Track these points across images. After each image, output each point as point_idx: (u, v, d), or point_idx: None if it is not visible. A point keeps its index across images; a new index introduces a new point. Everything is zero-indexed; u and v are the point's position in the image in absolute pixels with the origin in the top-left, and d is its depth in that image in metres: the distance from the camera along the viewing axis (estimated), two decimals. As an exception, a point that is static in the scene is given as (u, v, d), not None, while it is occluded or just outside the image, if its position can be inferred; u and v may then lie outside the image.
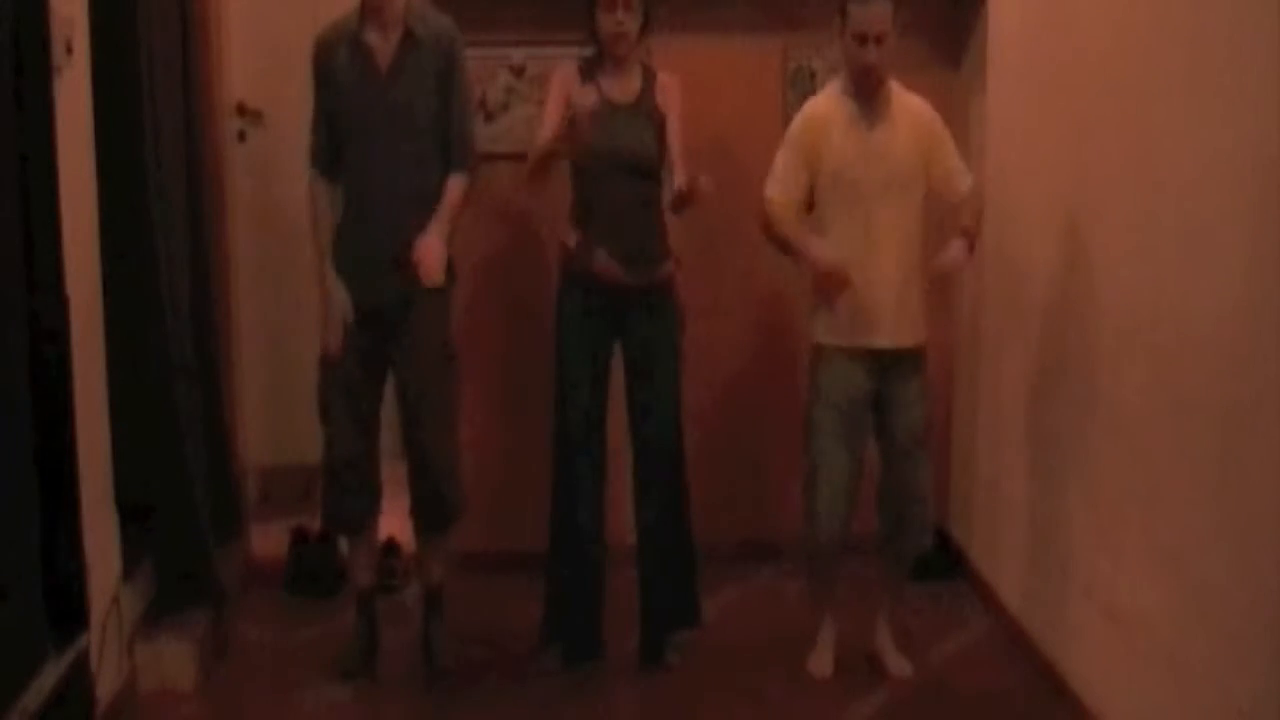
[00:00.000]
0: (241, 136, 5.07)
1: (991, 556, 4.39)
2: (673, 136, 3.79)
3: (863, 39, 3.54)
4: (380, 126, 3.64)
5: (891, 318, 3.66)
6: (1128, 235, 3.29)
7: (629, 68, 3.77)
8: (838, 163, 3.63)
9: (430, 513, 3.90)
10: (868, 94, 3.64)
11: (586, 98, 3.63)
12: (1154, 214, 3.13)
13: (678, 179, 3.68)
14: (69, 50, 3.21)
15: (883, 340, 3.67)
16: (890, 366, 3.69)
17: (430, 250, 3.61)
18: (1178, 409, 3.00)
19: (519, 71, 4.48)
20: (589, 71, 3.78)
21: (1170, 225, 3.04)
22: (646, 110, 3.77)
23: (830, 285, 3.60)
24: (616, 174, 3.74)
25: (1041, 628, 3.89)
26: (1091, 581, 3.49)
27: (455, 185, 3.73)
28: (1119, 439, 3.31)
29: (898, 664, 3.89)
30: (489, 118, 4.44)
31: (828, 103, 3.70)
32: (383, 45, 3.66)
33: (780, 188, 3.68)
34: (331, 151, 3.75)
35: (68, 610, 3.08)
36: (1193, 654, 2.93)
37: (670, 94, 3.80)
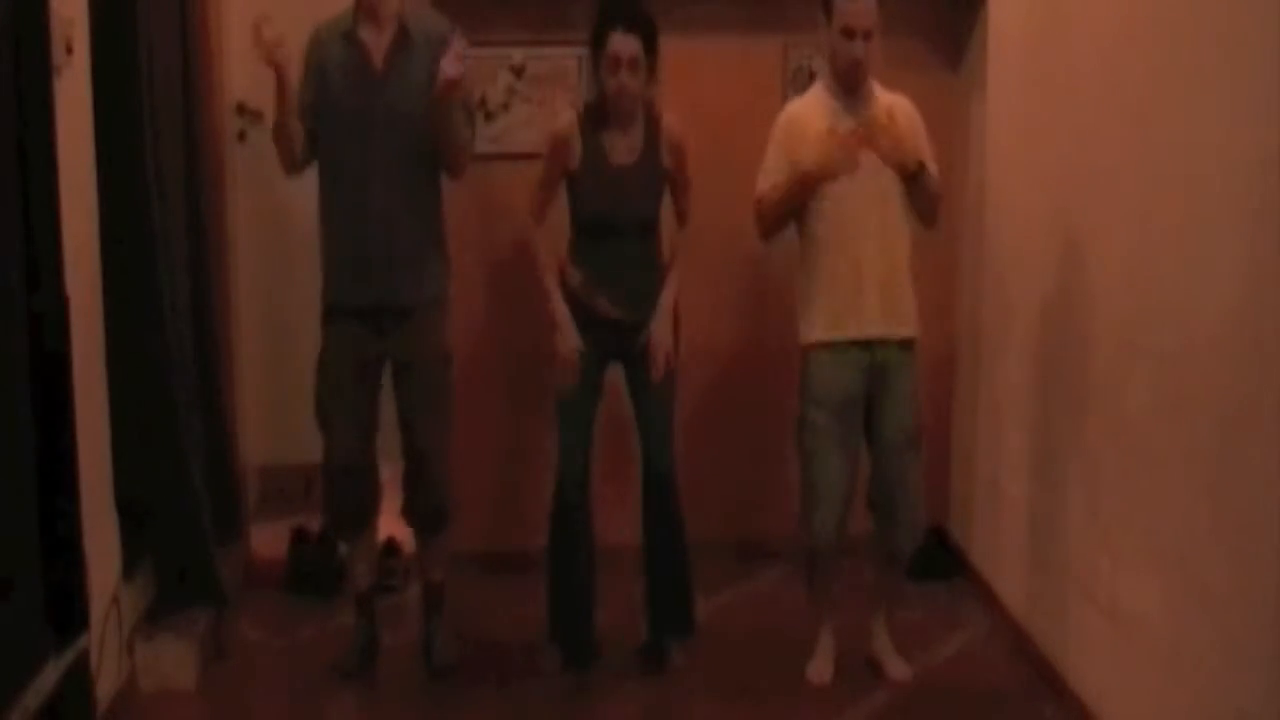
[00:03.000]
0: (241, 136, 5.07)
1: (991, 556, 4.39)
2: (679, 195, 3.80)
3: (850, 34, 3.54)
4: (374, 124, 3.64)
5: (879, 306, 3.65)
6: (1128, 235, 3.29)
7: (632, 120, 3.71)
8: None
9: (421, 515, 3.91)
10: (850, 89, 3.63)
11: (569, 343, 3.70)
12: (1154, 214, 3.13)
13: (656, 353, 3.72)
14: (69, 50, 3.22)
15: (872, 329, 3.65)
16: (880, 362, 3.68)
17: (459, 54, 3.52)
18: (1178, 409, 3.00)
19: (519, 71, 4.48)
20: (590, 123, 3.70)
21: (1170, 225, 3.04)
22: (650, 169, 3.73)
23: (845, 148, 3.54)
24: (616, 233, 3.73)
25: (1041, 628, 3.89)
26: (1091, 581, 3.49)
27: None
28: (1119, 439, 3.31)
29: (897, 667, 3.88)
30: (489, 117, 4.44)
31: (809, 102, 3.71)
32: (377, 43, 3.66)
33: (769, 181, 3.69)
34: (308, 143, 3.72)
35: (68, 610, 3.07)
36: (1193, 654, 2.93)
37: (676, 151, 3.74)
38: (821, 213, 3.65)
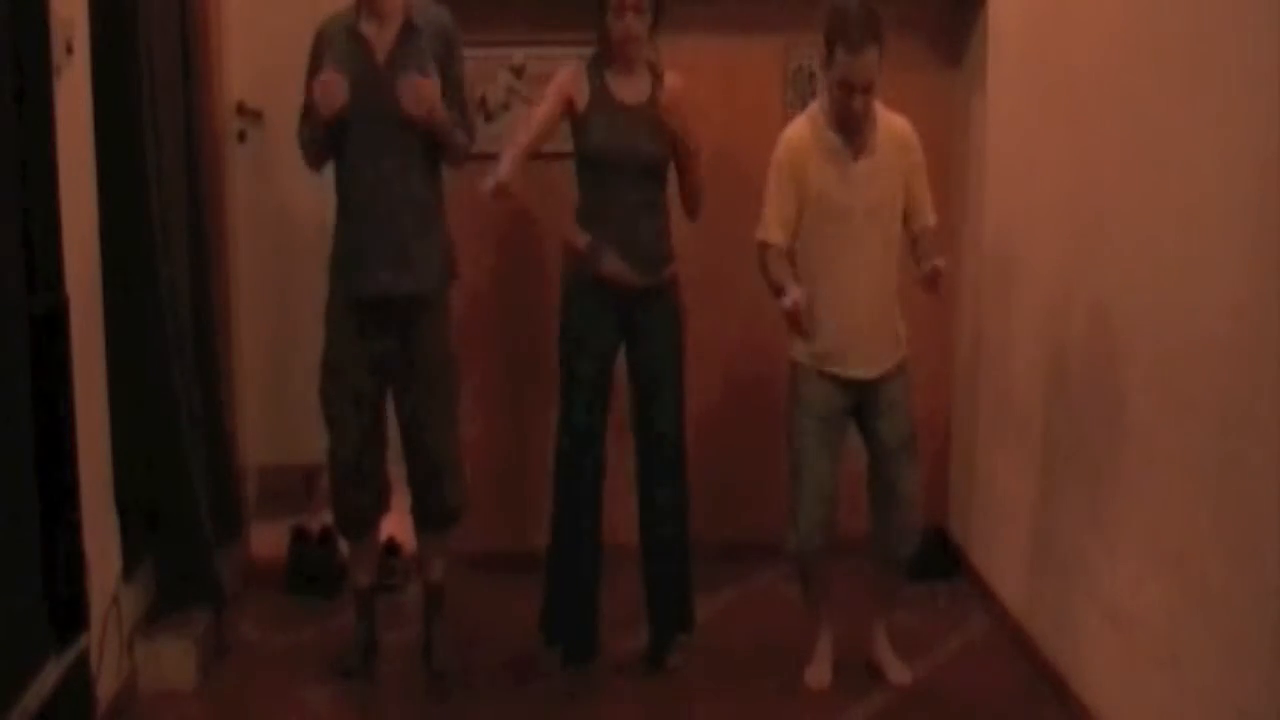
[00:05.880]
0: (241, 136, 5.07)
1: (991, 556, 4.39)
2: (684, 150, 3.79)
3: (848, 88, 3.48)
4: (378, 118, 3.64)
5: (870, 347, 3.65)
6: (1128, 235, 3.29)
7: (637, 68, 3.78)
8: (820, 192, 3.60)
9: (431, 513, 3.90)
10: (852, 130, 3.60)
11: (566, 72, 3.70)
12: (1154, 214, 3.13)
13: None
14: (69, 50, 3.22)
15: (860, 371, 3.65)
16: (869, 383, 3.69)
17: (422, 84, 3.55)
18: (1178, 409, 3.00)
19: (519, 71, 4.48)
20: (596, 71, 3.77)
21: (1170, 225, 3.04)
22: (654, 113, 3.76)
23: (794, 326, 3.58)
24: (624, 176, 3.74)
25: (1041, 628, 3.89)
26: (1092, 581, 3.49)
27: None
28: (1119, 439, 3.31)
29: (897, 671, 3.87)
30: (489, 118, 4.44)
31: (810, 130, 3.63)
32: (381, 37, 3.67)
33: (779, 230, 3.64)
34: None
35: (68, 610, 3.08)
36: (1193, 654, 2.93)
37: (679, 105, 3.76)
38: (817, 249, 3.64)
